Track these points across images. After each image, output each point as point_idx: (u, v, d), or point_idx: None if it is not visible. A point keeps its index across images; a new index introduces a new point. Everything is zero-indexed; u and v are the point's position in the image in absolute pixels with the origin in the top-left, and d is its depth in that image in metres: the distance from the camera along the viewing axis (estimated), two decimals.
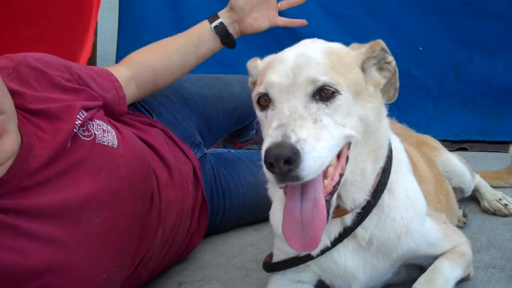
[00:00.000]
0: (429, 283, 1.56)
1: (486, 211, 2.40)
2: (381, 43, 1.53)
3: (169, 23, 4.51)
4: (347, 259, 1.58)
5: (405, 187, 1.61)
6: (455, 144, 3.60)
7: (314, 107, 1.36)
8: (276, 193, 1.66)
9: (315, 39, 1.56)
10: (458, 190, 2.39)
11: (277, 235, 1.67)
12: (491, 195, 2.42)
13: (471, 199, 2.50)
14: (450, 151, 2.48)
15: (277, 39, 4.20)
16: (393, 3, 3.93)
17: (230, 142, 3.14)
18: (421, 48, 3.88)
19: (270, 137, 1.28)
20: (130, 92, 2.14)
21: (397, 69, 1.55)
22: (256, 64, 1.65)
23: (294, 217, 1.37)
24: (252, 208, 2.46)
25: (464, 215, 2.26)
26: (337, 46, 1.53)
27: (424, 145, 2.29)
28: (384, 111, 1.55)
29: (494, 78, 3.70)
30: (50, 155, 1.61)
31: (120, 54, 4.59)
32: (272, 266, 1.73)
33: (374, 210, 1.54)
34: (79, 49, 3.44)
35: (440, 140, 2.49)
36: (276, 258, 1.72)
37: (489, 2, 3.67)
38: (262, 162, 1.28)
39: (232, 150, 2.71)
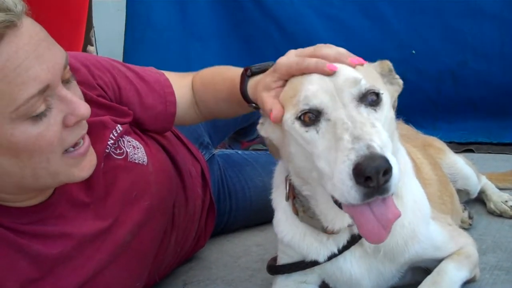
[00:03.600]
0: (434, 285, 1.55)
1: (492, 212, 2.39)
2: (388, 63, 1.53)
3: (176, 24, 4.53)
4: (353, 266, 1.57)
5: (412, 191, 1.60)
6: (462, 146, 3.59)
7: (364, 112, 1.31)
8: (280, 203, 1.65)
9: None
10: (463, 192, 2.38)
11: (282, 243, 1.66)
12: (497, 197, 2.41)
13: (477, 201, 2.49)
14: (457, 152, 2.48)
15: (271, 41, 4.24)
16: (385, 5, 3.90)
17: (237, 141, 3.15)
18: (413, 52, 3.86)
19: (351, 150, 1.20)
20: (194, 115, 2.00)
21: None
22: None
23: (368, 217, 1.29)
24: (259, 210, 2.46)
25: (470, 217, 2.25)
26: None
27: (430, 147, 2.28)
28: None
29: (491, 80, 3.67)
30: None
31: (127, 55, 4.60)
32: (276, 269, 1.73)
33: None
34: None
35: (446, 142, 2.49)
36: (280, 261, 1.72)
37: (484, 3, 3.63)
38: (348, 178, 1.19)
39: (239, 152, 2.72)
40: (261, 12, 4.28)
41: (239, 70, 1.74)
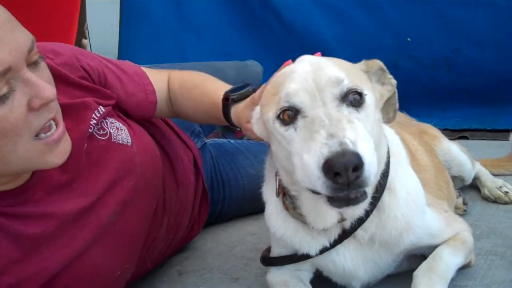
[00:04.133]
0: (430, 271, 1.55)
1: (486, 198, 2.40)
2: (378, 62, 1.51)
3: (171, 16, 4.53)
4: (346, 259, 1.57)
5: (405, 182, 1.59)
6: (456, 133, 3.60)
7: (346, 111, 1.31)
8: (271, 197, 1.65)
9: (307, 55, 1.50)
10: (458, 179, 2.38)
11: (275, 236, 1.67)
12: (492, 183, 2.42)
13: (471, 187, 2.50)
14: (451, 139, 2.48)
15: (270, 32, 4.23)
16: None
17: (231, 131, 3.14)
18: (409, 39, 3.86)
19: (324, 145, 1.21)
20: (166, 111, 2.08)
21: (396, 90, 1.53)
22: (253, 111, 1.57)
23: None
24: (252, 199, 2.44)
25: (464, 203, 2.25)
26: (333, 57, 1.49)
27: (425, 134, 2.28)
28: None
29: (485, 68, 3.67)
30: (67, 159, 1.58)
31: (123, 48, 4.59)
32: (269, 261, 1.74)
33: (374, 212, 1.52)
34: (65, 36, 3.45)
35: (440, 129, 2.48)
36: (274, 253, 1.73)
37: None
38: (319, 175, 1.21)
39: (232, 141, 2.72)
40: (259, 2, 4.28)
41: (219, 90, 1.85)
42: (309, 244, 1.57)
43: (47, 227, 1.52)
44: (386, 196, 1.53)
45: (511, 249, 1.89)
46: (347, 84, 1.33)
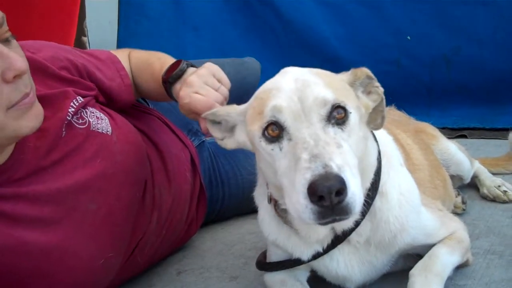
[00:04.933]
0: (426, 269, 1.55)
1: (485, 197, 2.40)
2: (365, 70, 1.48)
3: (170, 13, 4.52)
4: (339, 264, 1.57)
5: (397, 185, 1.58)
6: (455, 132, 3.60)
7: (331, 131, 1.30)
8: (263, 202, 1.65)
9: (291, 68, 1.48)
10: (456, 178, 2.39)
11: (269, 241, 1.67)
12: (490, 182, 2.42)
13: (470, 186, 2.50)
14: (450, 138, 2.48)
15: (269, 29, 4.22)
16: None
17: None
18: (409, 37, 3.86)
19: (307, 169, 1.20)
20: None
21: (384, 97, 1.50)
22: (231, 108, 1.56)
23: None
24: (251, 197, 2.45)
25: (463, 202, 2.25)
26: (319, 69, 1.46)
27: (423, 133, 2.28)
28: (370, 134, 1.53)
29: (485, 66, 3.68)
30: (45, 145, 1.61)
31: (121, 43, 4.58)
32: (264, 266, 1.75)
33: (367, 216, 1.52)
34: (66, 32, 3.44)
35: (439, 128, 2.49)
36: (270, 256, 1.73)
37: None
38: (303, 198, 1.20)
39: None
40: None
41: (163, 69, 1.93)
42: (302, 249, 1.58)
43: (21, 209, 1.54)
44: (377, 201, 1.53)
45: (510, 248, 1.89)
46: (332, 99, 1.32)
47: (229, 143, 1.57)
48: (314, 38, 3.98)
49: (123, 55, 2.11)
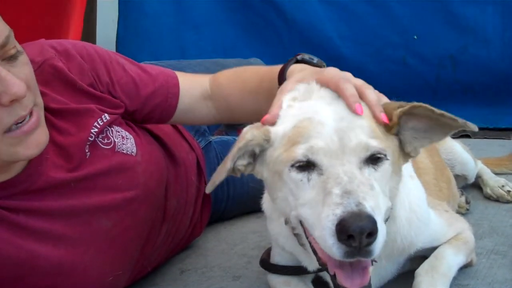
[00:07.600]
0: (432, 269, 1.56)
1: (488, 197, 2.40)
2: (425, 106, 1.37)
3: (170, 11, 4.49)
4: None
5: (407, 202, 1.54)
6: (459, 131, 3.58)
7: (366, 172, 1.26)
8: (273, 212, 1.61)
9: (311, 83, 1.43)
10: (461, 177, 2.39)
11: (276, 243, 1.66)
12: (494, 182, 2.42)
13: (473, 186, 2.50)
14: (454, 138, 2.47)
15: (272, 28, 4.20)
16: None
17: (234, 129, 3.13)
18: (415, 37, 3.85)
19: (339, 205, 1.15)
20: (205, 111, 1.95)
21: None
22: (266, 131, 1.40)
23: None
24: (256, 196, 2.43)
25: (467, 202, 2.25)
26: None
27: None
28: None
29: (491, 66, 3.68)
30: (66, 163, 1.57)
31: (120, 42, 4.56)
32: (268, 266, 1.74)
33: None
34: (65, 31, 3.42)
35: None
36: (274, 257, 1.72)
37: None
38: (330, 234, 1.15)
39: (236, 138, 2.69)
40: None
41: (261, 68, 1.76)
42: (310, 260, 1.53)
43: (33, 222, 1.52)
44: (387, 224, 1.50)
45: None
46: (375, 147, 1.27)
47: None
48: (318, 37, 3.96)
49: (199, 78, 1.98)
